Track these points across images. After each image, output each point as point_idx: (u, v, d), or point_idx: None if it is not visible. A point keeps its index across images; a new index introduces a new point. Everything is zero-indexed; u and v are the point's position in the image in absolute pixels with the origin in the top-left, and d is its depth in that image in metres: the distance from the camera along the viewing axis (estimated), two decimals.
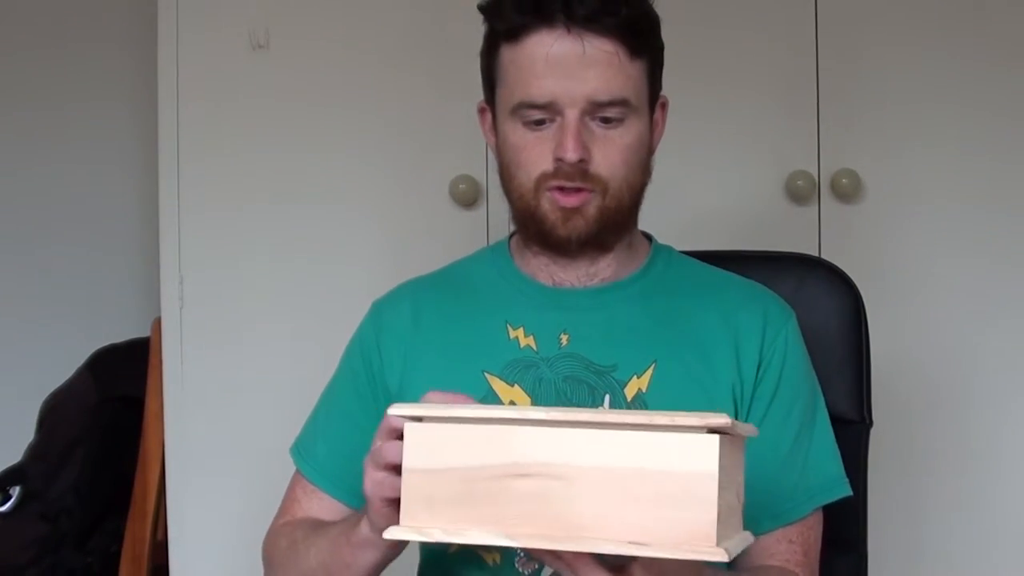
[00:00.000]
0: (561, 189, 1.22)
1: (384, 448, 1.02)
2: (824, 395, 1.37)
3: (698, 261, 1.39)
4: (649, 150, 1.28)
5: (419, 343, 1.32)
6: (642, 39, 1.22)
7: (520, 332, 1.28)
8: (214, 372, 2.11)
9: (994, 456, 1.98)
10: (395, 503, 0.99)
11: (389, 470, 1.02)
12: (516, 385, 1.26)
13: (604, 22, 1.18)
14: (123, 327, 2.43)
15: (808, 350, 1.37)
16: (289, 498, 1.37)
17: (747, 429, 0.94)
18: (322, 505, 1.33)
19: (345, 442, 1.31)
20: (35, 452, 2.30)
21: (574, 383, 1.26)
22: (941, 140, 1.97)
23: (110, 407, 2.32)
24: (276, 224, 2.11)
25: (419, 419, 0.96)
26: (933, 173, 1.98)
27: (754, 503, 1.23)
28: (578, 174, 1.21)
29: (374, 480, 1.04)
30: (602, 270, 1.30)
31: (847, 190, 1.96)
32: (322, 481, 1.33)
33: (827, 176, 1.98)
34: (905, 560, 1.96)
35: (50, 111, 2.64)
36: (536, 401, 1.25)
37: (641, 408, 1.24)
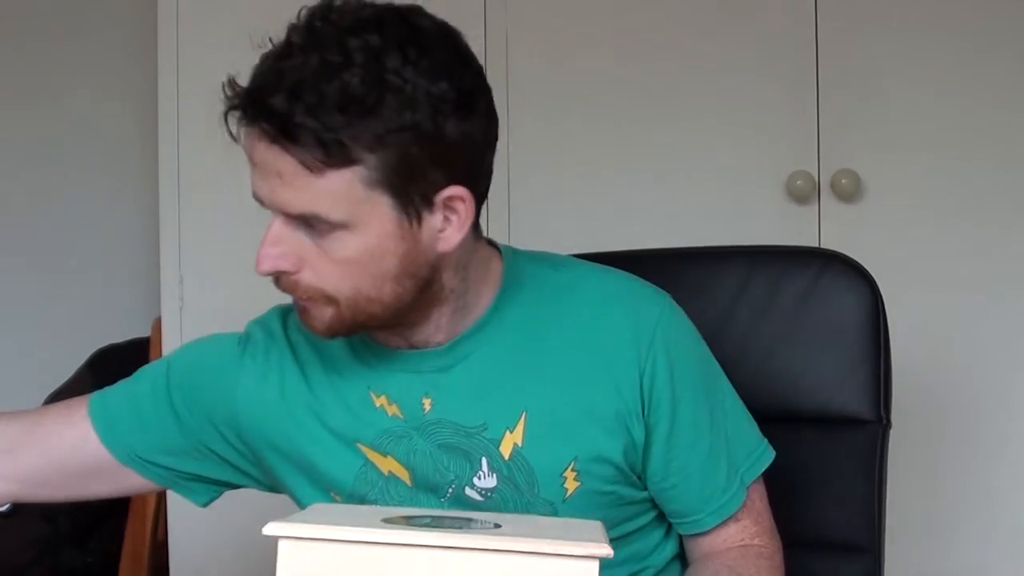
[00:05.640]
0: None
1: None
2: (839, 394, 1.35)
3: (553, 264, 1.24)
4: (404, 257, 1.09)
5: (290, 402, 1.23)
6: (343, 150, 1.03)
7: (384, 400, 1.19)
8: None
9: (1008, 458, 1.97)
10: None
11: None
12: (390, 456, 1.19)
13: (288, 135, 1.03)
14: (123, 327, 2.44)
15: (823, 346, 1.35)
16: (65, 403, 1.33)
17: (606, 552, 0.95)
18: (72, 427, 1.29)
19: (142, 405, 1.28)
20: None
21: (448, 451, 1.17)
22: (941, 140, 1.97)
23: None
24: None
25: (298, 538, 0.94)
26: (933, 173, 1.98)
27: (695, 506, 1.21)
28: (287, 285, 1.11)
29: None
30: (431, 335, 1.18)
31: (847, 190, 1.96)
32: (95, 412, 1.28)
33: (827, 176, 1.98)
34: (924, 566, 1.96)
35: (50, 111, 2.64)
36: (413, 472, 1.18)
37: (522, 464, 1.16)
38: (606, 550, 0.92)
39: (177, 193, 2.12)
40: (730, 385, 1.26)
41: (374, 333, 1.19)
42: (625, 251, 1.44)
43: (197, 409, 1.26)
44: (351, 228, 1.06)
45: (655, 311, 1.19)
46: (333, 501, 1.22)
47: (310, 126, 1.01)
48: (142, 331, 2.33)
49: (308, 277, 1.09)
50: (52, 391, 2.36)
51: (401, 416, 1.18)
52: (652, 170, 2.06)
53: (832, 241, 1.96)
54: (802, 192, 1.98)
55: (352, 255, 1.08)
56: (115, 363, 2.36)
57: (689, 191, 2.01)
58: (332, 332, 1.13)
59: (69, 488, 1.32)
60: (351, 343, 1.21)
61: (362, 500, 1.20)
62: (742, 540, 1.23)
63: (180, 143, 2.11)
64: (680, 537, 1.27)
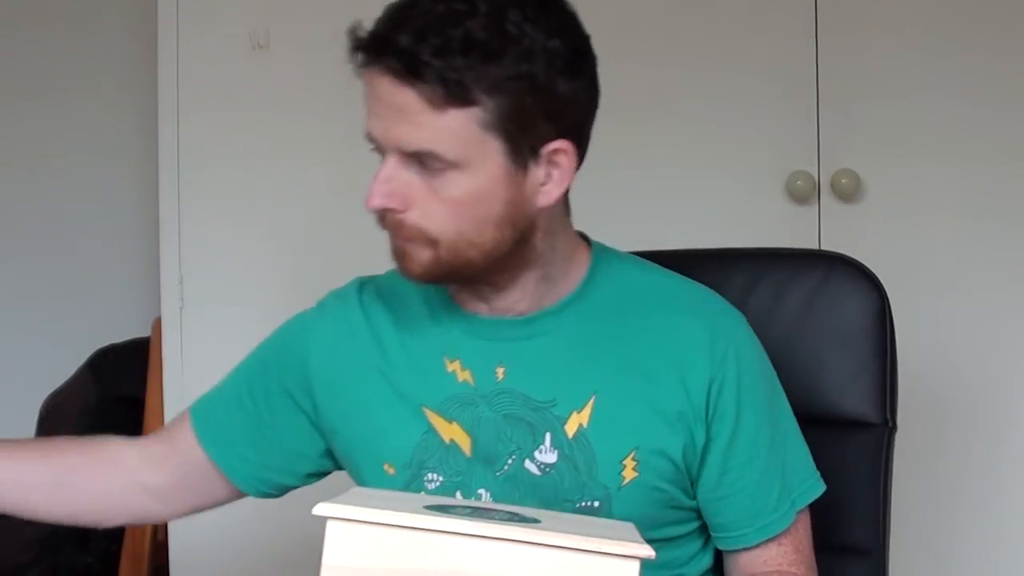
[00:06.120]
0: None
1: None
2: (845, 396, 1.35)
3: (640, 266, 1.30)
4: (509, 204, 1.14)
5: (357, 367, 1.27)
6: (464, 90, 1.09)
7: (457, 365, 1.23)
8: (214, 372, 2.11)
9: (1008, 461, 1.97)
10: None
11: None
12: (455, 423, 1.21)
13: (414, 72, 1.09)
14: (123, 327, 2.44)
15: (829, 349, 1.35)
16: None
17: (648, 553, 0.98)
18: (184, 436, 1.34)
19: (229, 403, 1.34)
20: None
21: (513, 422, 1.20)
22: (941, 140, 1.97)
23: (110, 407, 2.32)
24: (276, 224, 2.11)
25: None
26: (933, 173, 1.98)
27: (742, 521, 1.23)
28: (392, 224, 1.15)
29: None
30: (514, 303, 1.22)
31: (847, 190, 1.96)
32: (196, 417, 1.34)
33: (827, 176, 1.98)
34: (928, 569, 1.96)
35: (50, 111, 2.64)
36: (475, 440, 1.21)
37: (585, 445, 1.19)
38: (648, 551, 0.94)
39: (177, 193, 2.12)
40: (792, 414, 1.28)
41: (459, 294, 1.24)
42: (628, 252, 1.44)
43: (273, 381, 1.30)
44: (463, 168, 1.12)
45: (732, 326, 1.24)
46: (387, 475, 1.23)
47: (435, 64, 1.08)
48: (142, 331, 2.33)
49: (414, 217, 1.14)
50: (52, 391, 2.36)
51: (472, 382, 1.22)
52: (651, 170, 2.06)
53: (832, 241, 1.96)
54: (802, 192, 1.98)
55: (461, 195, 1.12)
56: (115, 363, 2.36)
57: (689, 191, 2.01)
58: (429, 276, 1.17)
59: (195, 497, 1.35)
60: (431, 307, 1.26)
61: (420, 468, 1.22)
62: (780, 565, 1.24)
63: (180, 143, 2.11)
64: (716, 553, 1.28)
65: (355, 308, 1.30)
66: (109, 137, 2.64)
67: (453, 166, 1.11)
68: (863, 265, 1.47)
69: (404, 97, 1.09)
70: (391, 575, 0.94)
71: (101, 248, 2.65)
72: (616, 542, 0.94)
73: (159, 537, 2.24)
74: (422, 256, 1.16)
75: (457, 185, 1.12)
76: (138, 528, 2.25)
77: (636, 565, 0.93)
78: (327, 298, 1.34)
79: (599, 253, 1.27)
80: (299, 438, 1.31)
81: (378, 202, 1.13)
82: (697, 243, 1.50)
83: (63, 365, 2.36)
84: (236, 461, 1.32)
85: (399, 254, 1.18)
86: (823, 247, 1.97)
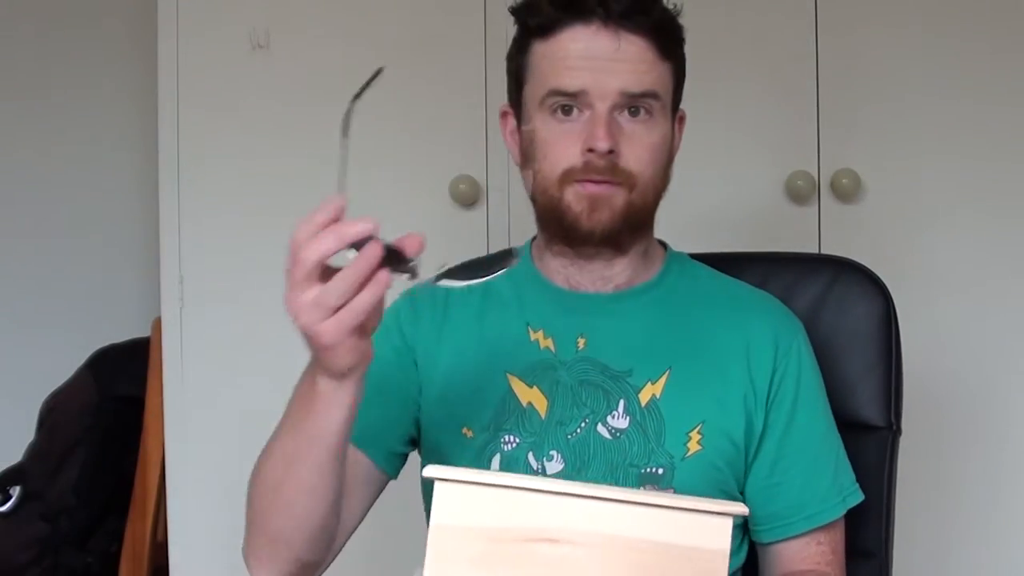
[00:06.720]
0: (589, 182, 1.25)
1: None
2: (850, 399, 1.37)
3: (710, 269, 1.40)
4: (670, 156, 1.31)
5: (447, 337, 1.34)
6: (672, 42, 1.28)
7: (540, 334, 1.31)
8: (214, 372, 2.11)
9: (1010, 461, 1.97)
10: (360, 331, 1.09)
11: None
12: (535, 387, 1.29)
13: (638, 20, 1.23)
14: (123, 327, 2.44)
15: (836, 353, 1.38)
16: None
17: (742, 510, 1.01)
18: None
19: (376, 404, 1.29)
20: (35, 452, 2.30)
21: (590, 388, 1.28)
22: (941, 140, 1.97)
23: (110, 407, 2.32)
24: (276, 224, 2.11)
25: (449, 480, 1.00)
26: (933, 173, 1.98)
27: (791, 509, 1.27)
28: (607, 167, 1.23)
29: (340, 320, 1.10)
30: (617, 275, 1.32)
31: (847, 190, 1.96)
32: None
33: (827, 176, 1.98)
34: (931, 572, 1.96)
35: (50, 111, 2.64)
36: (552, 403, 1.28)
37: (656, 414, 1.26)
38: (743, 508, 0.98)
39: (177, 193, 2.12)
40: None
41: (552, 270, 1.33)
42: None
43: (395, 336, 1.34)
44: (663, 114, 1.28)
45: (795, 329, 1.33)
46: (465, 438, 1.28)
47: (663, 19, 1.27)
48: (142, 331, 2.33)
49: (624, 160, 1.24)
50: (52, 391, 2.36)
51: (553, 350, 1.30)
52: None
53: (832, 241, 1.96)
54: (802, 192, 1.98)
55: (656, 140, 1.27)
56: (115, 363, 2.36)
57: (689, 191, 1.99)
58: (614, 223, 1.25)
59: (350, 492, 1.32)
60: (520, 287, 1.33)
61: (498, 431, 1.28)
62: (817, 564, 1.28)
63: (180, 143, 2.11)
64: (747, 557, 1.32)
65: (440, 294, 1.36)
66: (109, 137, 2.64)
67: (661, 110, 1.27)
68: (870, 270, 1.48)
69: (637, 45, 1.24)
70: (497, 534, 0.97)
71: (101, 248, 2.65)
72: (710, 501, 0.98)
73: (159, 537, 2.25)
74: (618, 201, 1.25)
75: (657, 129, 1.26)
76: (138, 528, 2.25)
77: (729, 522, 0.97)
78: (413, 287, 1.36)
79: (674, 252, 1.39)
80: (412, 394, 1.34)
81: (610, 143, 1.22)
82: (696, 243, 1.50)
83: (63, 365, 2.36)
84: (363, 429, 1.29)
85: (595, 201, 1.25)
86: (823, 247, 1.97)
